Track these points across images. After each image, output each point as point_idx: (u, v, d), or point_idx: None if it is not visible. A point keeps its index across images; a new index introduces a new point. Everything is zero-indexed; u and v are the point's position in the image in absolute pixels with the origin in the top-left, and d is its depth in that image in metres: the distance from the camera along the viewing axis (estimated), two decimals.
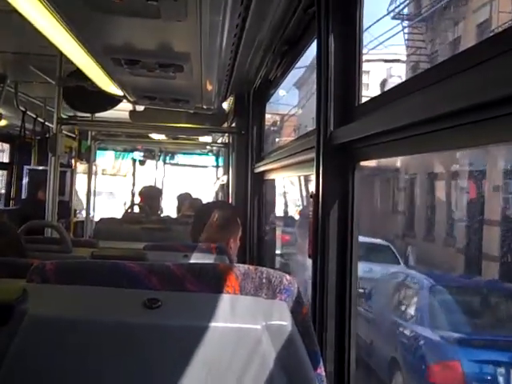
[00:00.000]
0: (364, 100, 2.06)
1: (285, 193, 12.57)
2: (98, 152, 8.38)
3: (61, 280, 1.27)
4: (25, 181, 8.27)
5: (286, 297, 1.27)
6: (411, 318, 7.67)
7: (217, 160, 10.33)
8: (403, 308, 8.21)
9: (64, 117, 5.21)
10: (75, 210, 7.73)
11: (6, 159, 9.49)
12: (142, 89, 3.73)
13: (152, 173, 11.30)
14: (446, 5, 10.31)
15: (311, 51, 2.50)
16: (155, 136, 7.86)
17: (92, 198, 7.78)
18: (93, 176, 7.76)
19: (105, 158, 11.26)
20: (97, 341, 1.22)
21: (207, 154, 10.67)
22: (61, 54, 3.59)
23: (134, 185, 11.07)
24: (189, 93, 3.75)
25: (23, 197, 8.32)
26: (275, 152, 3.92)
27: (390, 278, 9.74)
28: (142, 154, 11.01)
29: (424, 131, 1.43)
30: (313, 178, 2.20)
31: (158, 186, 10.56)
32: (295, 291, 1.28)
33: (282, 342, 1.22)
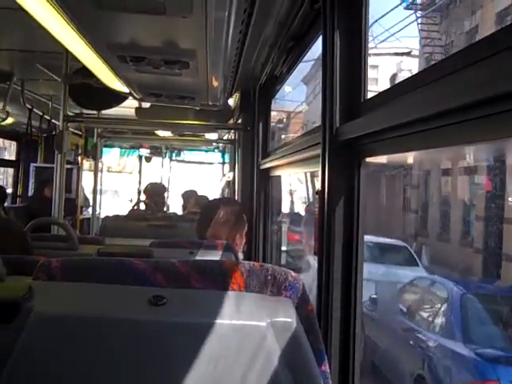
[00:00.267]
0: (371, 95, 2.06)
1: (292, 190, 12.54)
2: (103, 149, 8.40)
3: (67, 277, 1.27)
4: (31, 178, 8.30)
5: (291, 294, 1.27)
6: (440, 331, 6.94)
7: (223, 157, 10.34)
8: (430, 318, 7.42)
9: (70, 114, 5.22)
10: (81, 208, 7.75)
11: (12, 157, 9.52)
12: (147, 86, 3.73)
13: (158, 170, 11.31)
14: None
15: (317, 47, 2.49)
16: (161, 133, 7.86)
17: (98, 195, 7.80)
18: (99, 173, 7.78)
19: (110, 156, 11.26)
20: (103, 338, 1.22)
21: (213, 151, 10.68)
22: (67, 51, 3.59)
23: (140, 182, 11.09)
24: (194, 89, 3.74)
25: (30, 194, 8.35)
26: (281, 148, 3.92)
27: (414, 284, 8.94)
28: (148, 151, 11.02)
29: (431, 126, 1.42)
30: (319, 174, 2.20)
31: (165, 183, 10.58)
32: (300, 288, 1.28)
33: (287, 339, 1.22)
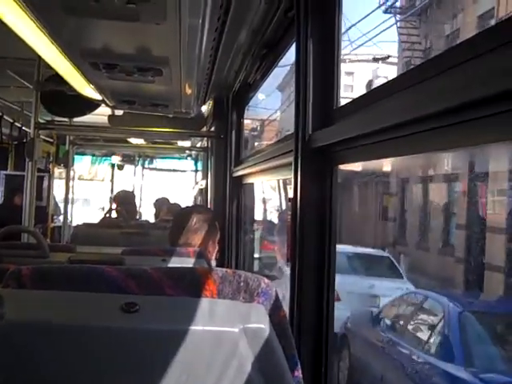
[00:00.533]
0: (344, 103, 2.07)
1: (266, 197, 12.53)
2: (75, 157, 8.34)
3: (37, 285, 1.26)
4: (1, 186, 8.21)
5: (263, 300, 1.27)
6: (437, 353, 6.21)
7: (196, 164, 10.32)
8: (424, 338, 6.66)
9: (41, 121, 5.18)
10: (52, 216, 7.68)
11: None
12: (120, 93, 3.71)
13: (131, 178, 11.25)
14: None
15: (291, 54, 2.50)
16: (134, 140, 7.83)
17: (70, 203, 7.74)
18: (70, 181, 7.72)
19: (82, 163, 11.15)
20: (74, 346, 1.21)
21: (186, 159, 10.66)
22: (39, 58, 3.57)
23: (112, 190, 11.01)
24: (168, 97, 3.74)
25: None
26: (254, 156, 3.92)
27: (403, 299, 8.23)
28: (120, 158, 10.96)
29: (404, 133, 1.43)
30: (291, 181, 2.20)
31: (137, 190, 10.52)
32: (273, 294, 1.28)
33: (260, 345, 1.22)
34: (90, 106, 4.80)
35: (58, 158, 7.91)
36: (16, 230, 4.32)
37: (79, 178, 11.36)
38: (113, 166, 11.39)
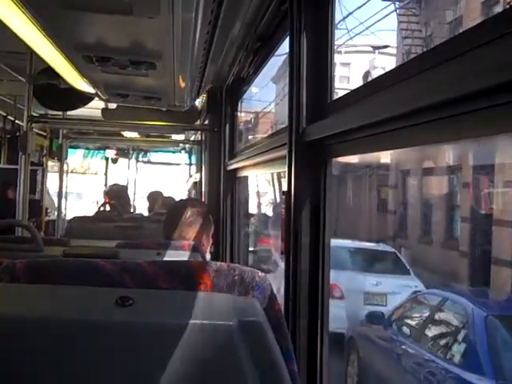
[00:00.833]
0: (338, 96, 2.07)
1: (261, 191, 12.49)
2: (69, 150, 8.32)
3: (31, 279, 1.26)
4: None
5: (258, 293, 1.27)
6: (462, 363, 5.49)
7: (190, 158, 10.31)
8: (445, 345, 5.92)
9: (35, 115, 5.16)
10: (46, 209, 7.66)
11: None
12: (114, 86, 3.70)
13: (124, 171, 11.23)
14: None
15: (285, 47, 2.50)
16: (128, 134, 7.82)
17: (64, 196, 7.72)
18: (64, 175, 7.70)
19: (74, 157, 11.11)
20: (68, 340, 1.21)
21: (180, 152, 10.65)
22: (31, 51, 3.55)
23: (106, 184, 10.99)
24: (161, 90, 3.73)
25: None
26: (248, 149, 3.92)
27: (418, 300, 7.56)
28: (114, 152, 10.94)
29: (398, 126, 1.43)
30: (285, 174, 2.21)
31: (131, 184, 10.51)
32: (268, 288, 1.28)
33: (255, 339, 1.22)
34: (84, 99, 4.79)
35: (52, 152, 7.89)
36: (10, 223, 4.32)
37: (71, 172, 11.32)
38: (107, 159, 11.37)
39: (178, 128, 5.77)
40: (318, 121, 2.01)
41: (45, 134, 7.92)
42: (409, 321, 7.11)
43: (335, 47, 2.09)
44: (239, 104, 4.86)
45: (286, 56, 2.33)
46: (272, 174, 8.60)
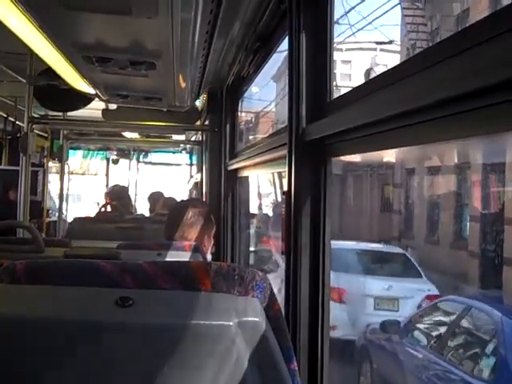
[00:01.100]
0: (337, 95, 2.07)
1: (262, 191, 12.47)
2: (70, 151, 8.32)
3: (31, 280, 1.25)
4: None
5: (258, 293, 1.27)
6: (492, 379, 5.00)
7: (190, 158, 10.31)
8: (471, 358, 5.38)
9: (35, 116, 5.16)
10: (48, 210, 7.66)
11: None
12: (114, 87, 3.70)
13: (125, 172, 11.23)
14: None
15: (285, 46, 2.50)
16: (128, 134, 7.82)
17: (65, 197, 7.73)
18: (65, 175, 7.71)
19: (74, 158, 11.07)
20: (69, 340, 1.21)
21: (181, 152, 10.65)
22: (31, 52, 3.55)
23: (107, 185, 10.99)
24: (161, 90, 3.73)
25: None
26: (248, 149, 3.92)
27: (438, 307, 6.89)
28: (114, 152, 10.94)
29: (397, 125, 1.43)
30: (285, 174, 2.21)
31: (132, 184, 10.50)
32: (267, 288, 1.28)
33: (255, 339, 1.22)
34: (84, 100, 4.79)
35: (53, 153, 7.89)
36: (11, 224, 4.32)
37: (71, 173, 11.30)
38: (108, 160, 11.37)
39: (178, 128, 5.77)
40: (318, 120, 2.01)
41: (46, 135, 7.93)
42: (428, 330, 6.60)
43: (335, 45, 2.09)
44: (239, 104, 4.86)
45: (286, 54, 2.33)
46: (273, 173, 8.60)
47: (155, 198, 6.75)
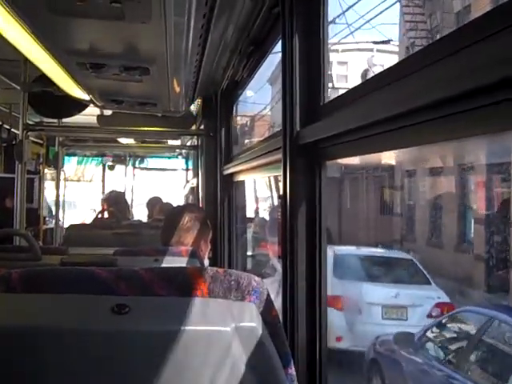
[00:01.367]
0: (331, 98, 2.07)
1: (259, 195, 12.44)
2: (66, 158, 8.31)
3: (27, 288, 1.25)
4: None
5: (254, 298, 1.27)
6: None
7: (186, 163, 10.30)
8: (499, 375, 4.94)
9: (30, 123, 5.15)
10: (44, 218, 7.65)
11: None
12: (108, 92, 3.70)
13: (121, 178, 11.22)
14: None
15: (279, 49, 2.50)
16: (124, 140, 7.81)
17: (61, 204, 7.71)
18: (61, 182, 7.70)
19: (68, 164, 11.02)
20: (65, 349, 1.20)
21: (176, 157, 10.64)
22: (25, 58, 3.55)
23: (103, 191, 10.97)
24: (156, 96, 3.73)
25: None
26: (244, 153, 3.92)
27: (457, 319, 6.38)
28: (110, 158, 10.93)
29: (392, 127, 1.43)
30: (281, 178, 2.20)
31: (128, 190, 10.49)
32: (264, 292, 1.28)
33: (252, 344, 1.22)
34: (79, 106, 4.79)
35: (48, 160, 7.88)
36: (7, 233, 4.30)
37: (65, 179, 11.28)
38: (104, 166, 11.36)
39: (173, 133, 5.77)
40: (312, 123, 2.01)
41: (41, 141, 7.92)
42: (445, 343, 6.11)
43: (331, 46, 2.08)
44: (234, 108, 4.86)
45: (279, 59, 2.33)
46: (269, 177, 8.60)
47: (153, 204, 6.74)
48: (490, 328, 5.39)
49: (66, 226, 7.09)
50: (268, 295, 1.29)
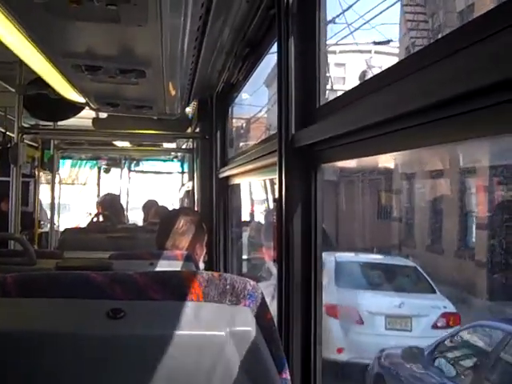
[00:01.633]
0: (328, 100, 2.06)
1: (255, 198, 12.42)
2: (62, 161, 8.29)
3: (22, 293, 1.25)
4: None
5: (249, 302, 1.27)
6: None
7: (182, 166, 10.30)
8: None
9: (25, 126, 5.14)
10: (39, 221, 7.63)
11: None
12: (104, 95, 3.69)
13: (117, 181, 11.21)
14: None
15: (275, 52, 2.50)
16: (119, 143, 7.80)
17: (56, 207, 7.69)
18: (56, 186, 7.68)
19: (63, 167, 11.00)
20: (60, 353, 1.20)
21: (172, 160, 10.64)
22: (20, 61, 3.53)
23: (99, 194, 10.96)
24: (152, 98, 3.72)
25: None
26: (239, 156, 3.91)
27: (471, 333, 5.80)
28: (106, 162, 10.92)
29: (388, 130, 1.42)
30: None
31: (124, 193, 10.48)
32: (259, 297, 1.28)
33: (247, 348, 1.21)
34: (74, 109, 4.78)
35: (44, 163, 7.87)
36: (2, 237, 4.29)
37: (60, 182, 11.26)
38: (99, 169, 11.35)
39: (169, 136, 5.77)
40: (308, 126, 2.01)
41: (36, 145, 7.90)
42: (458, 360, 5.71)
43: (328, 48, 2.08)
44: (230, 110, 4.86)
45: (275, 62, 2.32)
46: (264, 180, 8.59)
47: (148, 207, 6.74)
48: (508, 344, 4.99)
49: (61, 229, 7.07)
50: (263, 299, 1.28)
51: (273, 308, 1.39)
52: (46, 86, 3.73)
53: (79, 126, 5.79)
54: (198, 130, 5.25)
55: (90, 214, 10.80)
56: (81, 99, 3.87)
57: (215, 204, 4.59)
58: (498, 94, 0.99)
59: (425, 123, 1.26)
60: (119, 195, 8.96)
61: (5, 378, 1.18)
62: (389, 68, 1.55)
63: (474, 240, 9.35)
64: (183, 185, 9.07)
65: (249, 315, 1.25)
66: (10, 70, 4.47)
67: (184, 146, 7.98)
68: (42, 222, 8.05)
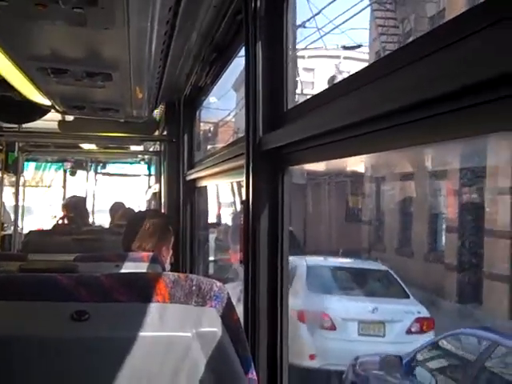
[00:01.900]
0: (294, 104, 2.08)
1: (222, 201, 12.40)
2: (27, 163, 8.19)
3: None
4: None
5: (216, 303, 1.27)
6: None
7: (149, 168, 10.25)
8: None
9: None
10: (3, 224, 7.53)
11: None
12: (70, 98, 3.66)
13: (83, 183, 11.11)
14: None
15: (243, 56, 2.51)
16: (86, 146, 7.74)
17: (20, 210, 7.61)
18: (20, 188, 7.59)
19: (27, 170, 10.86)
20: (24, 357, 1.19)
21: (139, 163, 10.58)
22: None
23: (64, 197, 10.85)
24: (118, 101, 3.71)
25: None
26: (207, 159, 3.92)
27: (451, 342, 5.51)
28: (72, 164, 10.81)
29: (354, 134, 1.44)
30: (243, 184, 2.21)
31: (90, 196, 10.39)
32: (225, 297, 1.28)
33: (213, 349, 1.22)
34: (40, 111, 4.72)
35: (8, 165, 7.76)
36: None
37: (24, 185, 11.11)
38: (65, 171, 11.23)
39: (136, 139, 5.74)
40: (275, 130, 2.02)
41: (0, 147, 7.79)
42: (441, 370, 5.39)
43: (297, 52, 2.10)
44: (197, 114, 4.86)
45: (242, 67, 2.34)
46: (232, 183, 8.59)
47: (115, 209, 6.69)
48: (493, 353, 4.74)
49: (25, 232, 6.99)
50: (229, 300, 1.29)
51: (239, 309, 1.40)
52: (11, 88, 3.69)
53: (45, 128, 5.72)
54: (165, 132, 5.24)
55: (55, 216, 10.69)
56: (46, 102, 3.83)
57: (182, 206, 4.59)
58: (464, 99, 1.01)
59: (390, 127, 1.28)
60: (85, 198, 8.88)
61: None
62: (357, 72, 1.57)
63: (443, 243, 9.38)
64: (150, 187, 9.02)
65: (215, 316, 1.26)
66: None
67: (151, 149, 7.94)
68: (5, 225, 7.94)
